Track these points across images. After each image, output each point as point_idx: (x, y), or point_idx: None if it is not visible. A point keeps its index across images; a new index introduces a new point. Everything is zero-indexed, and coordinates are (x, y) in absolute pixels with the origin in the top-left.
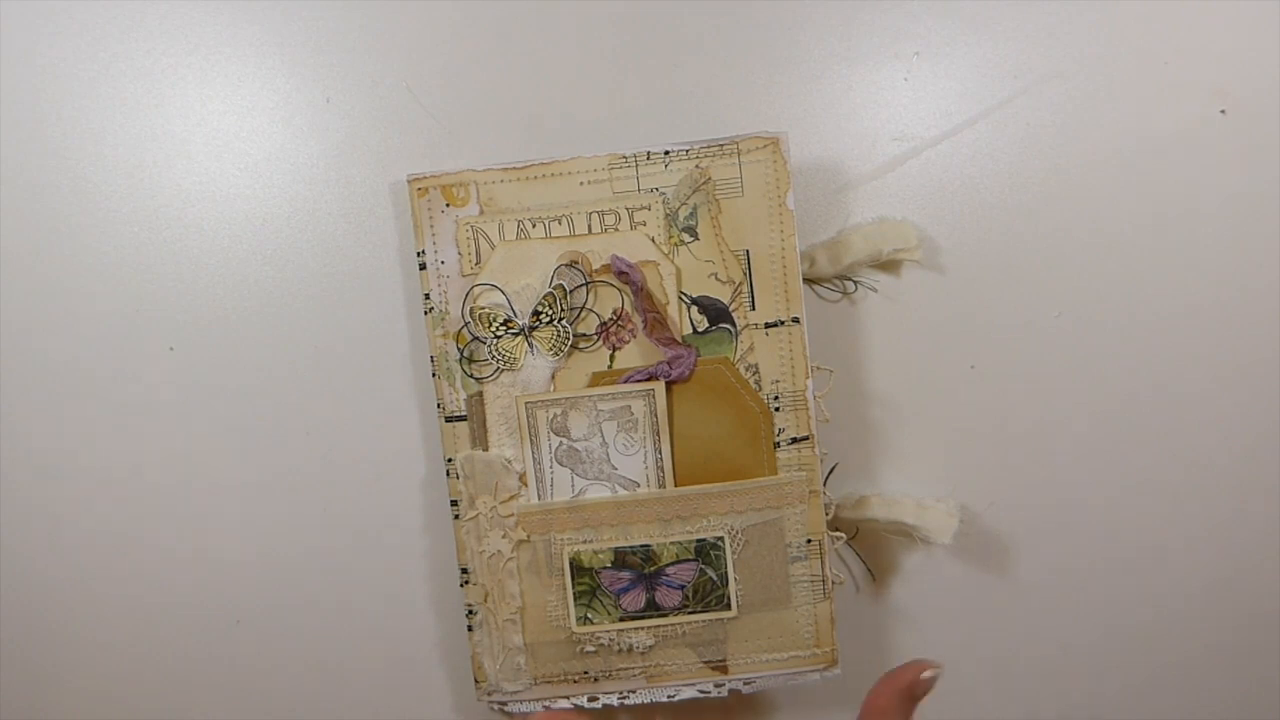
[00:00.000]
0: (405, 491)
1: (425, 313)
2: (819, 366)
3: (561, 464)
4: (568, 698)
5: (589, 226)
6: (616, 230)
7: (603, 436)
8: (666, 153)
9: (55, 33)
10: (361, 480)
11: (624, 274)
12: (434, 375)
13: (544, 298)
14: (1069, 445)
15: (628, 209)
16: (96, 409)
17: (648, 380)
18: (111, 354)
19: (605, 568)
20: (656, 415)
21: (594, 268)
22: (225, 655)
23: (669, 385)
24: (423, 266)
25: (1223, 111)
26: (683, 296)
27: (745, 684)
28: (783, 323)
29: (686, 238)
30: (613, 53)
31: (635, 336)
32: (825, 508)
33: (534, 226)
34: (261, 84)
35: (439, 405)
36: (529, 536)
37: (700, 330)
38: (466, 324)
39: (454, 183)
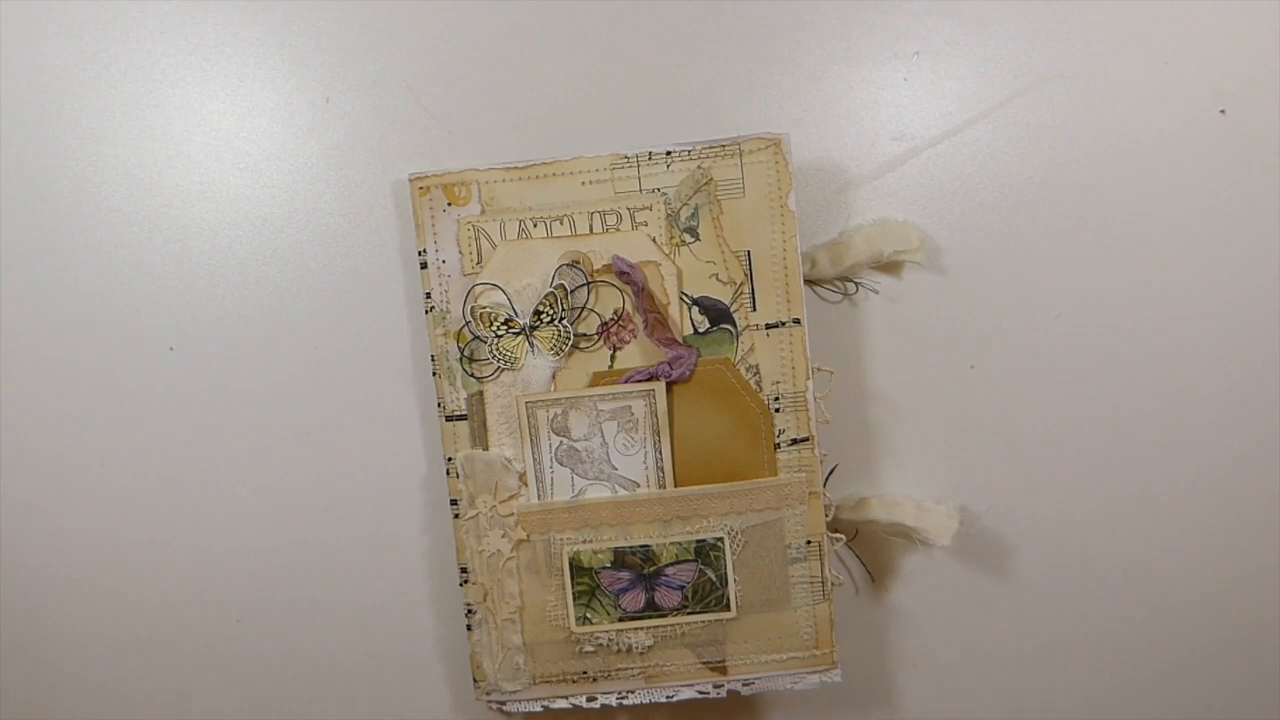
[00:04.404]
0: (405, 491)
1: (426, 312)
2: (820, 368)
3: (561, 464)
4: (566, 697)
5: (590, 226)
6: (618, 230)
7: (603, 436)
8: (668, 153)
9: (55, 33)
10: (361, 480)
11: (625, 274)
12: (434, 374)
13: (545, 297)
14: (1069, 446)
15: (629, 209)
16: (96, 409)
17: (648, 380)
18: (111, 354)
19: (605, 568)
20: (657, 415)
21: (595, 268)
22: (226, 654)
23: (670, 385)
24: (424, 266)
25: (1223, 111)
26: (684, 297)
27: (744, 685)
28: (784, 324)
29: (688, 238)
30: (613, 53)
31: (636, 337)
32: (825, 509)
33: (535, 226)
34: (261, 84)
35: (439, 404)
36: (529, 536)
37: (701, 331)
38: (467, 323)
39: (456, 182)
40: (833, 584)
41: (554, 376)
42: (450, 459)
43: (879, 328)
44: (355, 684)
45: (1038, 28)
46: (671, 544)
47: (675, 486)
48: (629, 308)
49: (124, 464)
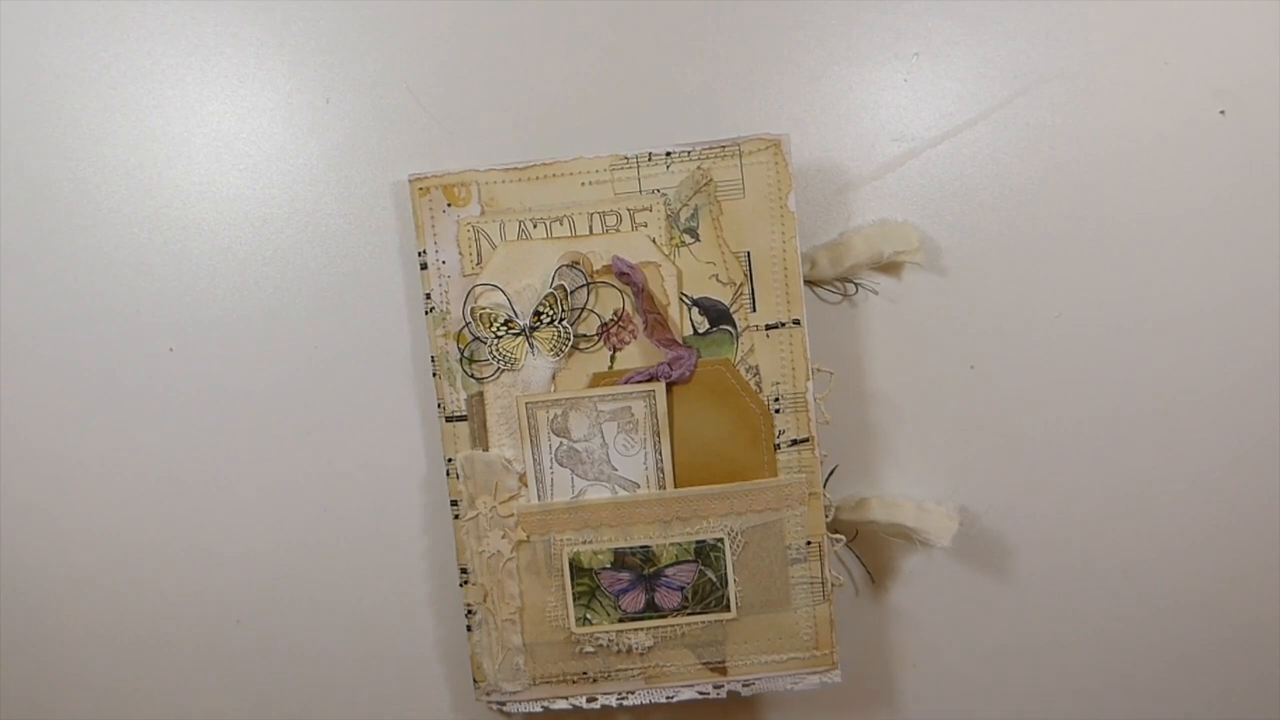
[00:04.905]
0: (405, 491)
1: (426, 313)
2: (820, 368)
3: (561, 464)
4: (566, 698)
5: (590, 227)
6: (618, 231)
7: (603, 437)
8: (668, 154)
9: (55, 33)
10: (361, 480)
11: (625, 275)
12: (435, 375)
13: (545, 298)
14: (1069, 446)
15: (629, 210)
16: (96, 409)
17: (648, 381)
18: (111, 354)
19: (605, 568)
20: (657, 416)
21: (595, 268)
22: (226, 655)
23: (669, 386)
24: (424, 266)
25: (1223, 111)
26: (684, 298)
27: (744, 686)
28: (784, 324)
29: (688, 239)
30: (613, 53)
31: (636, 337)
32: (825, 510)
33: (535, 227)
34: (261, 84)
35: (439, 405)
36: (529, 537)
37: (701, 331)
38: (467, 324)
39: (456, 183)
40: (833, 584)
41: (554, 377)
42: (450, 459)
43: (879, 328)
44: (355, 684)
45: (1038, 28)
46: (671, 545)
47: (675, 487)
48: (629, 308)
49: (124, 464)
